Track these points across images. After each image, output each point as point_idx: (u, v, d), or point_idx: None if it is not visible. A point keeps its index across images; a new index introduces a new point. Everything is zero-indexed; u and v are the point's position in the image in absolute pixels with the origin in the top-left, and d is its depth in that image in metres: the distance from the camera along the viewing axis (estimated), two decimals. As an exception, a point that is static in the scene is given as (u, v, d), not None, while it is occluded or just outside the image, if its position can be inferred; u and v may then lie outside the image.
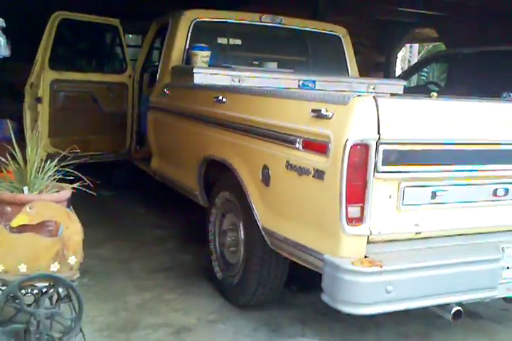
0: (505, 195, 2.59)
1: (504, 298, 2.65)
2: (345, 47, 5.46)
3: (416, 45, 19.90)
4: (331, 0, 8.32)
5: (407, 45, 19.72)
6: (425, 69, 11.88)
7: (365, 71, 9.65)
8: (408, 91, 6.58)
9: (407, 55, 21.85)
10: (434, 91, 5.54)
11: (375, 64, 11.26)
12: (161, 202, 5.59)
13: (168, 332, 2.95)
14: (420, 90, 6.88)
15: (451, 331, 3.10)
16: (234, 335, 2.96)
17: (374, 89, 4.75)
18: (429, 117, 2.39)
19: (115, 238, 4.42)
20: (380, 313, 2.26)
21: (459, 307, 2.36)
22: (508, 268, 2.58)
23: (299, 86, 4.50)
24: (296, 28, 5.29)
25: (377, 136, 2.26)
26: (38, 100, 5.06)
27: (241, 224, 3.21)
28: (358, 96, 2.33)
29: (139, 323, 3.04)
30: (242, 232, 3.20)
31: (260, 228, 2.88)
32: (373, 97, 2.31)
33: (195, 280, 3.67)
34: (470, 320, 3.27)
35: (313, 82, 4.57)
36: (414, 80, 12.68)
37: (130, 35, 9.08)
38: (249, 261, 3.12)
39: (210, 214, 3.60)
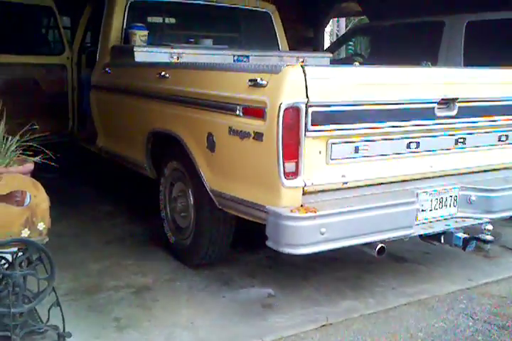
0: (417, 147, 3.00)
1: (420, 236, 3.08)
2: (274, 23, 5.77)
3: (343, 20, 20.46)
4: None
5: (334, 20, 20.23)
6: (351, 42, 12.40)
7: (294, 46, 10.00)
8: (336, 62, 7.02)
9: (335, 29, 22.40)
10: (356, 61, 5.95)
11: (304, 39, 11.64)
12: (107, 181, 5.79)
13: (130, 292, 3.22)
14: (346, 61, 7.32)
15: (381, 273, 3.55)
16: (189, 290, 3.27)
17: (303, 61, 5.10)
18: (350, 82, 2.74)
19: (66, 216, 4.54)
20: (316, 252, 2.62)
21: (383, 245, 2.76)
22: (423, 210, 3.03)
23: (234, 61, 4.79)
24: (227, 5, 5.54)
25: (306, 99, 2.58)
26: (-23, 85, 5.10)
27: (190, 190, 3.50)
28: (288, 65, 2.64)
29: (101, 286, 3.29)
30: (191, 198, 3.49)
31: (208, 191, 3.18)
32: (301, 66, 2.63)
33: (149, 247, 3.94)
34: (397, 263, 3.74)
35: (247, 57, 4.87)
36: (343, 53, 13.21)
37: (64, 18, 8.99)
38: (199, 223, 3.43)
39: (160, 184, 3.87)
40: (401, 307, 3.07)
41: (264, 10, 5.76)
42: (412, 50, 6.14)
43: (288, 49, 5.88)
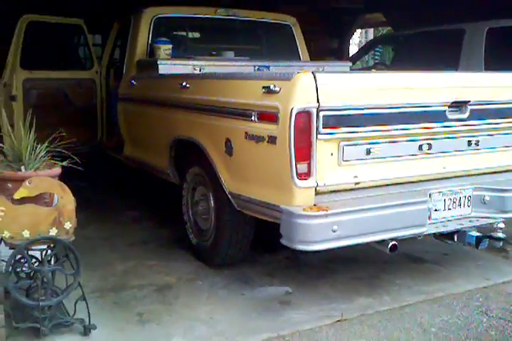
0: (429, 149, 3.09)
1: (434, 235, 3.15)
2: (295, 35, 5.93)
3: (371, 30, 20.55)
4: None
5: (362, 30, 20.37)
6: (378, 52, 12.49)
7: (320, 56, 10.17)
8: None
9: (363, 39, 22.50)
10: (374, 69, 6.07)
11: (329, 49, 11.79)
12: (134, 188, 6.01)
13: (153, 290, 3.38)
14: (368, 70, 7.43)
15: (398, 273, 3.62)
16: (210, 288, 3.41)
17: (323, 70, 5.23)
18: (359, 87, 2.86)
19: (96, 221, 4.78)
20: (329, 248, 2.72)
21: (395, 242, 2.85)
22: (436, 210, 3.11)
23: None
24: (249, 19, 5.73)
25: (317, 104, 2.71)
26: (13, 98, 5.39)
27: (210, 194, 3.64)
28: (299, 72, 2.78)
29: (126, 285, 3.46)
30: (211, 201, 3.63)
31: (227, 193, 3.32)
32: (312, 73, 2.76)
33: (173, 248, 4.10)
34: (415, 264, 3.80)
35: (267, 67, 5.02)
36: (371, 62, 13.29)
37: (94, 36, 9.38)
38: (219, 224, 3.57)
39: (182, 189, 4.03)
40: (416, 305, 3.14)
41: (285, 22, 5.92)
42: (434, 58, 6.23)
43: (309, 59, 6.02)
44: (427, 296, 3.24)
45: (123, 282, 3.49)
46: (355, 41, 21.06)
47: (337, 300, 3.20)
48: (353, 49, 15.36)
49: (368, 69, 7.41)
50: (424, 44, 6.67)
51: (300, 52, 5.94)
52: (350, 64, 5.58)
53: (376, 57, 12.65)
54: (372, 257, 3.77)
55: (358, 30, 18.91)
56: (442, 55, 6.32)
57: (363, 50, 8.47)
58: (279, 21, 5.91)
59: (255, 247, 3.74)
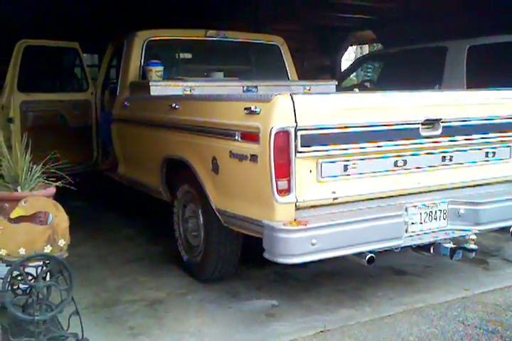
0: (404, 165, 3.25)
1: (411, 247, 3.29)
2: (283, 55, 6.14)
3: (366, 46, 20.85)
4: (272, 10, 8.96)
5: (357, 47, 20.66)
6: (368, 68, 12.74)
7: (312, 74, 10.41)
8: (346, 89, 7.35)
9: (359, 55, 22.78)
10: (359, 88, 6.28)
11: (322, 67, 12.04)
12: (129, 207, 6.15)
13: (144, 305, 3.50)
14: (357, 87, 7.63)
15: (380, 285, 3.75)
16: (200, 303, 3.53)
17: (310, 90, 5.43)
18: (335, 107, 3.03)
19: (91, 238, 4.94)
20: (309, 261, 2.86)
21: (372, 255, 2.98)
22: (412, 223, 3.25)
23: (243, 92, 5.13)
24: (238, 40, 5.93)
25: (295, 124, 2.87)
26: (10, 120, 5.56)
27: (200, 211, 3.79)
28: (278, 94, 2.95)
29: (118, 300, 3.59)
30: (201, 217, 3.78)
31: (214, 210, 3.47)
32: (290, 94, 2.93)
33: (165, 265, 4.23)
34: (397, 276, 3.94)
35: (256, 87, 5.21)
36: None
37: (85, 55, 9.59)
38: (208, 240, 3.71)
39: (173, 207, 4.18)
40: (396, 315, 3.27)
41: (273, 42, 6.13)
42: (419, 75, 6.42)
43: (297, 78, 6.21)
44: (407, 307, 3.37)
45: (115, 298, 3.62)
46: (351, 57, 21.34)
47: (320, 312, 3.32)
48: (347, 65, 15.64)
49: (356, 86, 7.61)
50: (409, 61, 6.88)
51: (288, 72, 6.14)
52: (336, 82, 5.75)
53: (368, 74, 12.91)
54: (356, 270, 3.91)
55: (355, 47, 19.22)
56: (426, 72, 6.53)
57: (352, 67, 8.69)
58: (267, 42, 6.11)
59: (245, 262, 3.88)
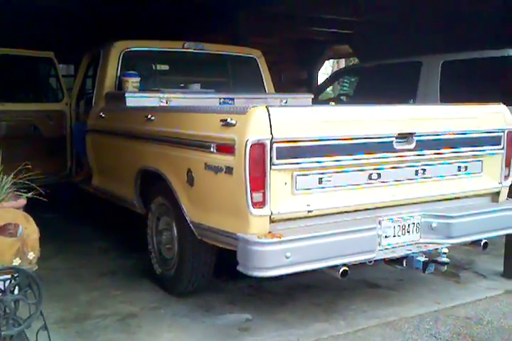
0: (378, 178, 3.26)
1: (384, 260, 3.30)
2: (260, 68, 6.16)
3: (342, 61, 21.10)
4: (250, 24, 9.00)
5: (334, 61, 20.90)
6: (345, 82, 12.89)
7: (289, 87, 10.49)
8: (323, 102, 7.42)
9: (336, 69, 23.01)
10: (335, 102, 6.34)
11: (299, 80, 12.14)
12: (102, 219, 6.05)
13: (116, 319, 3.44)
14: (334, 100, 7.72)
15: (354, 298, 3.75)
16: (173, 317, 3.48)
17: (286, 102, 5.45)
18: (310, 120, 3.04)
19: (63, 251, 4.85)
20: (283, 274, 2.84)
21: (345, 268, 2.98)
22: (386, 236, 3.27)
23: (220, 104, 5.13)
24: (215, 52, 5.95)
25: (271, 136, 2.87)
26: (-17, 131, 5.47)
27: (174, 223, 3.75)
28: (254, 106, 2.95)
29: (89, 315, 3.51)
30: (175, 230, 3.74)
31: (189, 222, 3.44)
32: (266, 107, 2.93)
33: (138, 278, 4.17)
34: (371, 289, 3.94)
35: (232, 99, 5.21)
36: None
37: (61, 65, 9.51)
38: (182, 253, 3.67)
39: (147, 219, 4.13)
40: (369, 329, 3.26)
41: (250, 55, 6.15)
42: (394, 89, 6.51)
43: (274, 91, 6.24)
44: (380, 320, 3.37)
45: (86, 312, 3.55)
46: (328, 71, 21.56)
47: (295, 326, 3.30)
48: (324, 79, 15.81)
49: (333, 99, 7.69)
50: (385, 75, 6.98)
51: (265, 84, 6.17)
52: (312, 96, 5.79)
53: (344, 88, 13.06)
54: (331, 283, 3.90)
55: (331, 60, 19.45)
56: (401, 86, 6.62)
57: (328, 81, 8.77)
58: (244, 54, 6.14)
59: (219, 275, 3.85)
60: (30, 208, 3.00)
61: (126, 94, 4.79)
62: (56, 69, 6.15)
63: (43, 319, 2.85)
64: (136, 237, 4.81)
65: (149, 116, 3.98)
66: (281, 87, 7.33)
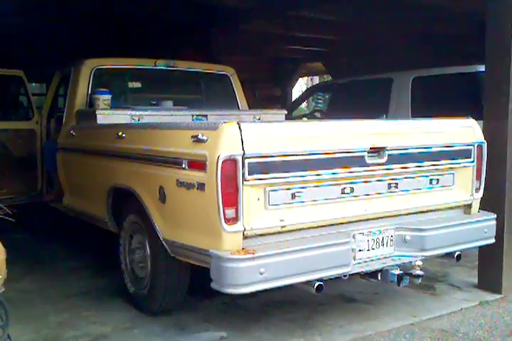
0: (351, 192, 3.27)
1: (359, 274, 3.29)
2: (233, 85, 6.17)
3: (316, 78, 21.35)
4: (223, 41, 9.04)
5: (308, 78, 21.14)
6: (318, 99, 13.02)
7: (263, 104, 10.56)
8: (296, 118, 7.46)
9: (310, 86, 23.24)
10: (308, 118, 6.39)
11: (273, 97, 12.23)
12: (73, 239, 5.95)
13: (88, 340, 3.35)
14: (307, 116, 7.78)
15: (330, 313, 3.72)
16: (146, 337, 3.41)
17: (259, 119, 5.46)
18: (282, 136, 3.04)
19: (32, 273, 4.72)
20: (257, 291, 2.81)
21: (320, 283, 2.96)
22: (360, 250, 3.26)
23: (192, 120, 5.11)
24: (188, 70, 5.95)
25: (242, 152, 2.86)
26: (-51, 149, 5.35)
27: (146, 241, 3.69)
28: (225, 122, 2.94)
29: (60, 336, 3.43)
30: (147, 248, 3.68)
31: (162, 240, 3.39)
32: (237, 122, 2.93)
33: (110, 298, 4.08)
34: (347, 303, 3.92)
35: (205, 116, 5.20)
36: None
37: (34, 84, 9.42)
38: (155, 272, 3.60)
39: (120, 237, 4.07)
40: (346, 344, 3.24)
41: (223, 72, 6.17)
42: (366, 105, 6.59)
43: (247, 108, 6.24)
44: (357, 335, 3.35)
45: (57, 334, 3.46)
46: (303, 88, 21.78)
47: (270, 343, 3.26)
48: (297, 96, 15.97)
49: (304, 116, 7.75)
50: (357, 92, 7.07)
51: (238, 101, 6.18)
52: (285, 112, 5.81)
53: (319, 104, 13.19)
54: (306, 299, 3.88)
55: (305, 78, 19.67)
56: (373, 102, 6.71)
57: (301, 97, 8.85)
58: (217, 71, 6.15)
59: (193, 293, 3.79)
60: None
61: (97, 112, 4.74)
62: (26, 87, 6.05)
63: (10, 342, 2.77)
64: (107, 256, 4.74)
65: (120, 133, 3.94)
66: (255, 105, 7.36)
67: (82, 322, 3.63)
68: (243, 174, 2.88)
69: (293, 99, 11.87)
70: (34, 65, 8.49)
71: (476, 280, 4.26)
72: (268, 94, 12.22)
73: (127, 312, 3.79)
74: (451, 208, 3.76)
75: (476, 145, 3.77)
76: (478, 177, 3.80)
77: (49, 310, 3.86)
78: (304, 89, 22.60)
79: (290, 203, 3.06)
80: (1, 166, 5.49)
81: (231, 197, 2.86)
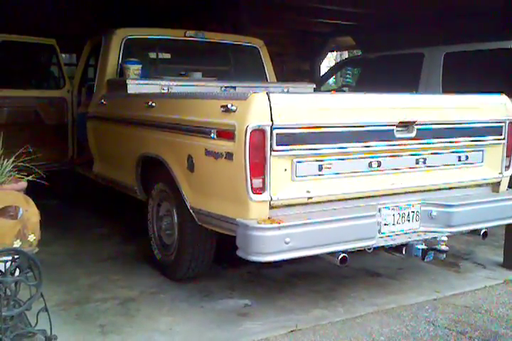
0: (378, 166, 3.27)
1: (384, 248, 3.31)
2: (262, 57, 6.14)
3: (346, 54, 21.04)
4: (251, 14, 8.95)
5: (337, 53, 20.84)
6: (347, 73, 12.85)
7: (291, 78, 10.47)
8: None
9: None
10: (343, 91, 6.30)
11: (301, 71, 12.11)
12: (102, 206, 6.09)
13: (116, 303, 3.47)
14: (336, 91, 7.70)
15: (354, 286, 3.77)
16: (172, 302, 3.51)
17: (288, 91, 5.44)
18: (311, 107, 3.04)
19: (63, 237, 4.88)
20: (282, 260, 2.86)
21: (345, 254, 2.99)
22: (385, 224, 3.28)
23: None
24: (217, 41, 5.93)
25: (271, 122, 2.87)
26: (-17, 116, 5.47)
27: (174, 209, 3.76)
28: (255, 93, 2.95)
29: (90, 298, 3.55)
30: (175, 216, 3.75)
31: (189, 208, 3.45)
32: (266, 93, 2.93)
33: (138, 264, 4.20)
34: (371, 278, 3.96)
35: (234, 88, 5.20)
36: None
37: (64, 55, 9.49)
38: (182, 239, 3.68)
39: (148, 205, 4.15)
40: (368, 316, 3.28)
41: (252, 44, 6.13)
42: (396, 80, 6.49)
43: (276, 81, 6.22)
44: (379, 308, 3.39)
45: (87, 296, 3.58)
46: (331, 64, 21.50)
47: (294, 312, 3.32)
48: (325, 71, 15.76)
49: (332, 90, 7.68)
50: (387, 67, 6.96)
51: (267, 74, 6.15)
52: (314, 85, 5.77)
53: (347, 79, 13.02)
54: (331, 271, 3.93)
55: (335, 53, 19.38)
56: (403, 77, 6.61)
57: (330, 72, 8.76)
58: (246, 44, 6.12)
59: (219, 261, 3.87)
60: (30, 194, 3.01)
61: (128, 82, 4.78)
62: (58, 56, 6.11)
63: (44, 301, 2.88)
64: (135, 223, 4.85)
65: (150, 102, 3.98)
66: (283, 78, 7.31)
67: (110, 286, 3.74)
68: (271, 145, 2.90)
69: (321, 74, 11.76)
70: (65, 35, 8.54)
71: (501, 259, 4.25)
72: (296, 68, 12.08)
73: (154, 277, 3.89)
74: (479, 185, 3.73)
75: (507, 122, 3.72)
76: (509, 154, 3.76)
77: (79, 273, 3.99)
78: (333, 64, 22.35)
79: (317, 175, 3.08)
80: (33, 133, 5.59)
81: (258, 167, 2.89)
